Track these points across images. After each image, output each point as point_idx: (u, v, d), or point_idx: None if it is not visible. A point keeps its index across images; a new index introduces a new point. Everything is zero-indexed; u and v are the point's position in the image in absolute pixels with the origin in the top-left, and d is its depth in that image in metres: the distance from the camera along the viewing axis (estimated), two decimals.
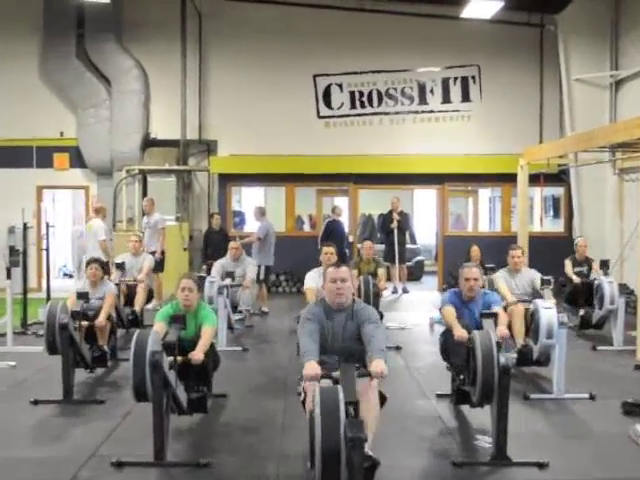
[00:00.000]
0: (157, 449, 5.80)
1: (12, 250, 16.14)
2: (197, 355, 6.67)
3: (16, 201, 16.61)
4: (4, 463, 6.00)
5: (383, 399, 5.51)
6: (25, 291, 12.43)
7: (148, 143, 17.15)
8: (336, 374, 5.05)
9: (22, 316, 11.94)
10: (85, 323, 8.47)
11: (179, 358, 6.31)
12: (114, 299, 9.51)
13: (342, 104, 17.52)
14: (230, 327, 10.94)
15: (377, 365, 5.16)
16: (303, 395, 5.60)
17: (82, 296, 8.58)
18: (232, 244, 11.96)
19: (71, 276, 18.66)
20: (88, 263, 9.58)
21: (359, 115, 17.56)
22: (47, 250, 13.30)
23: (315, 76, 17.42)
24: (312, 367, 5.19)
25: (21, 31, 17.20)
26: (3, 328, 10.65)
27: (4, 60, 17.22)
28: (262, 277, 13.59)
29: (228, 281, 11.06)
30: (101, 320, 8.84)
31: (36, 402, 7.62)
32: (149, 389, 5.70)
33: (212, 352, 7.15)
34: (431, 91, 17.52)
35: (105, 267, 9.98)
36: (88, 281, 9.43)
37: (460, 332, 6.80)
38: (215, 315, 7.52)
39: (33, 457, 6.15)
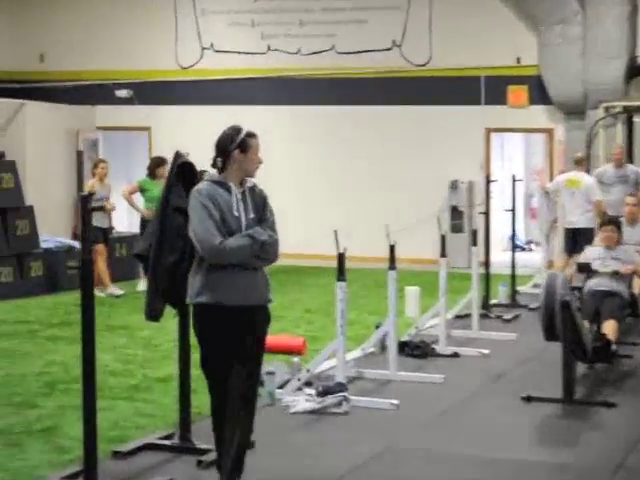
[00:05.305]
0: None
1: (455, 211, 17.43)
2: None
3: (459, 148, 17.90)
4: (509, 465, 6.87)
5: None
6: (487, 264, 13.39)
7: (634, 71, 17.49)
8: None
9: (483, 296, 12.79)
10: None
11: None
12: None
13: None
14: None
15: None
16: None
17: (583, 268, 9.34)
18: None
19: (525, 249, 19.65)
20: (602, 224, 10.32)
21: None
22: (513, 211, 14.18)
23: None
24: None
25: None
26: (466, 308, 11.71)
27: None
28: None
29: None
30: None
31: (529, 399, 8.46)
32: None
33: None
34: None
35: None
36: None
37: None
38: None
39: (544, 461, 6.97)
